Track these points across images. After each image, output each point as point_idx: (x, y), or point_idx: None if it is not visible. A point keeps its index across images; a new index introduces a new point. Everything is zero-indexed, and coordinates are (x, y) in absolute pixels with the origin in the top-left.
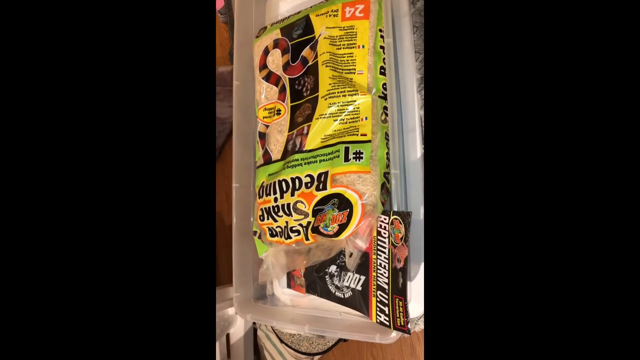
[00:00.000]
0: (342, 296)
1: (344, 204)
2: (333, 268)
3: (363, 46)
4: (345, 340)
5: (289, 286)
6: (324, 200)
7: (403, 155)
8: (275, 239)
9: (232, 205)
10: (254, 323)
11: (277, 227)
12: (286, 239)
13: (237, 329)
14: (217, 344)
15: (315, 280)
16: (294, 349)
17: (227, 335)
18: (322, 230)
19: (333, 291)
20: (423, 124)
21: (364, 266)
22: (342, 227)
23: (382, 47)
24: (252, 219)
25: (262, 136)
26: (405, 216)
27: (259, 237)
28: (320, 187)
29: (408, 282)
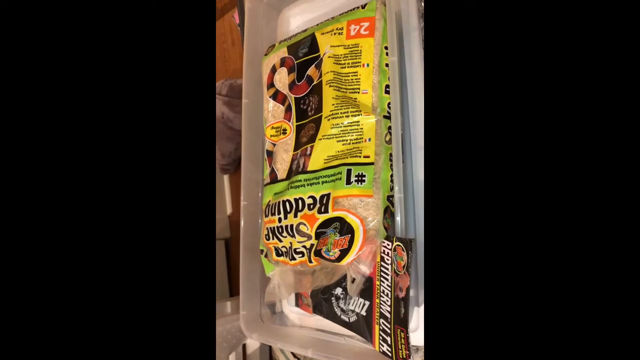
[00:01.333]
0: (347, 320)
1: (345, 228)
2: (339, 290)
3: (368, 65)
4: None
5: (296, 305)
6: (326, 224)
7: (412, 174)
8: (282, 258)
9: (240, 222)
10: None
11: (282, 247)
12: (291, 259)
13: (254, 340)
14: (234, 354)
15: (321, 302)
16: None
17: (244, 346)
18: (324, 254)
19: (339, 314)
20: None
21: (367, 291)
22: (344, 253)
23: (387, 65)
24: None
25: (270, 154)
26: (408, 243)
27: (266, 256)
28: (322, 210)
29: (415, 308)
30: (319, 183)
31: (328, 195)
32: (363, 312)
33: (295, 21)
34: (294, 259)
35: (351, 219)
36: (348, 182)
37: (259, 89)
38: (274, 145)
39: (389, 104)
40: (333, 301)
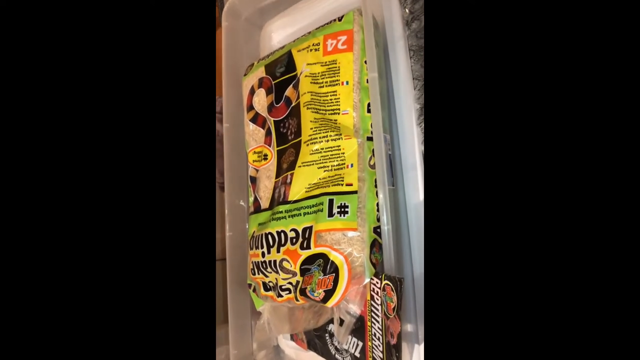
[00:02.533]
0: (342, 359)
1: (329, 266)
2: (332, 327)
3: (347, 82)
4: None
5: (292, 339)
6: (309, 260)
7: (404, 199)
8: (270, 293)
9: (227, 254)
10: None
11: (269, 281)
12: (277, 296)
13: None
14: None
15: (314, 338)
16: None
17: None
18: (309, 294)
19: (333, 352)
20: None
21: (360, 331)
22: (329, 294)
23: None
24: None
25: (254, 180)
26: (397, 283)
27: (254, 291)
28: (305, 245)
29: (416, 346)
30: (300, 214)
31: (310, 228)
32: (357, 354)
33: (277, 36)
34: (280, 296)
35: (334, 256)
36: (330, 214)
37: (242, 111)
38: (257, 171)
39: (372, 124)
40: (327, 338)
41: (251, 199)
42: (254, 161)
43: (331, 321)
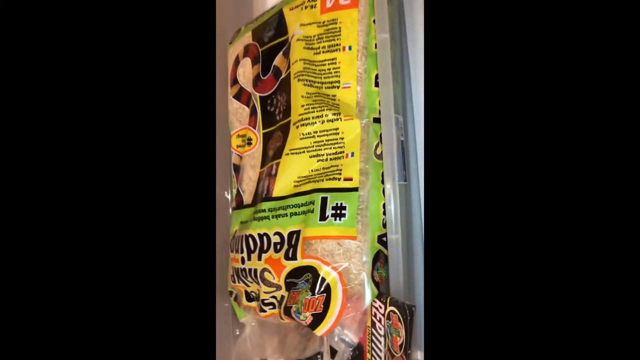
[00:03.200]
0: None
1: (319, 284)
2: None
3: (350, 47)
4: None
5: None
6: (295, 273)
7: (419, 198)
8: (254, 304)
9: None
10: None
11: (251, 291)
12: (260, 311)
13: None
14: None
15: None
16: None
17: None
18: (293, 315)
19: None
20: None
21: None
22: (318, 319)
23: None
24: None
25: (237, 170)
26: (405, 311)
27: (235, 299)
28: (290, 255)
29: None
30: (286, 215)
31: (297, 233)
32: None
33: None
34: (263, 310)
35: (326, 272)
36: (322, 217)
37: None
38: (241, 158)
39: (380, 101)
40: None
41: (234, 192)
42: (237, 146)
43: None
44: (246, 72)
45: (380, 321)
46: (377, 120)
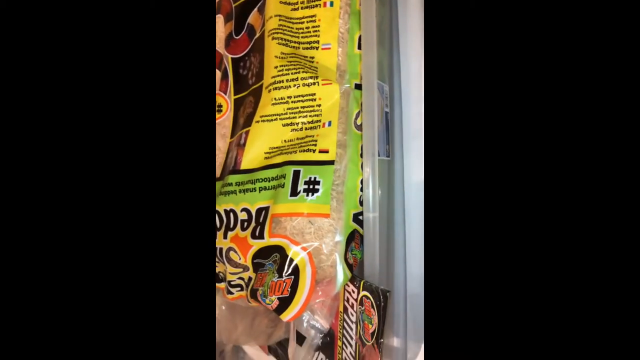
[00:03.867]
0: None
1: (287, 266)
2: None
3: (332, 3)
4: None
5: None
6: (263, 253)
7: (402, 175)
8: (222, 285)
9: None
10: None
11: (219, 272)
12: (227, 293)
13: None
14: None
15: (275, 347)
16: None
17: None
18: (259, 298)
19: None
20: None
21: (329, 347)
22: (284, 303)
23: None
24: None
25: None
26: (379, 298)
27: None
28: (257, 234)
29: None
30: (255, 190)
31: (266, 210)
32: None
33: None
34: (230, 292)
35: (294, 252)
36: (294, 192)
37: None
38: None
39: (362, 66)
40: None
41: None
42: None
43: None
44: (218, 31)
45: (352, 306)
46: (358, 87)
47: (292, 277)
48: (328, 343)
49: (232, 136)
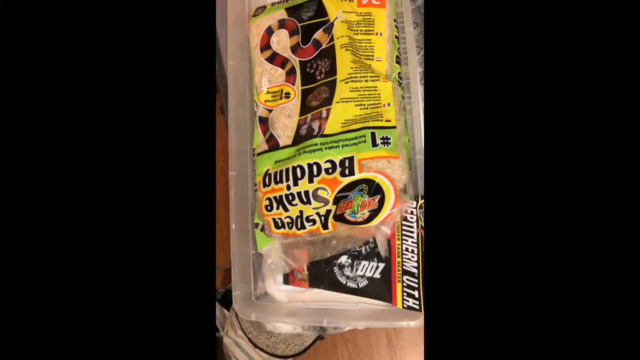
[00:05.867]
0: (356, 286)
1: (374, 190)
2: (344, 259)
3: (381, 34)
4: (322, 337)
5: (286, 282)
6: (349, 187)
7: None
8: (282, 230)
9: (230, 196)
10: (218, 331)
11: (286, 217)
12: (298, 229)
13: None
14: None
15: (322, 274)
16: (269, 353)
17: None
18: (348, 217)
19: (344, 282)
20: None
21: (379, 254)
22: (374, 214)
23: (397, 37)
24: (251, 212)
25: (264, 121)
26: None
27: (262, 229)
28: (347, 173)
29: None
30: (338, 146)
31: (351, 158)
32: (377, 275)
33: None
34: (302, 227)
35: (381, 180)
36: (374, 144)
37: (241, 53)
38: (270, 111)
39: (399, 73)
40: (336, 271)
41: (258, 139)
42: (266, 101)
43: (345, 252)
44: (281, 40)
45: (411, 214)
46: (400, 84)
47: (379, 195)
48: (377, 251)
49: (300, 115)
